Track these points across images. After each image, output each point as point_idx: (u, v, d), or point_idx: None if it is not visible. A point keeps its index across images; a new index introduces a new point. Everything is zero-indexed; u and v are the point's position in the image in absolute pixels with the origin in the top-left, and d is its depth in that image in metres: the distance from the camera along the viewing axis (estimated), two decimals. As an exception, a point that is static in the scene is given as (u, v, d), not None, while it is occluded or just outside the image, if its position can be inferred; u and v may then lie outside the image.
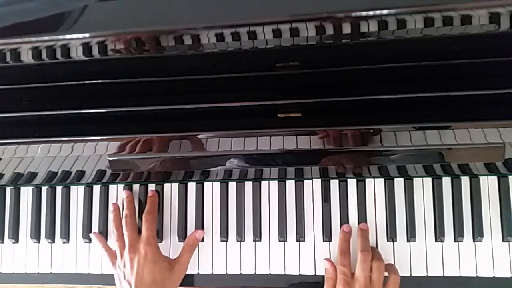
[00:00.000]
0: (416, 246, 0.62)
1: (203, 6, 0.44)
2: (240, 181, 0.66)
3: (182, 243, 0.65)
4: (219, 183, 0.66)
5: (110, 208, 0.66)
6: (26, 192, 0.70)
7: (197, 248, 0.65)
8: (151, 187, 0.67)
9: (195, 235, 0.64)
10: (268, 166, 0.61)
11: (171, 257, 0.65)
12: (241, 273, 0.64)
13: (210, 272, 0.65)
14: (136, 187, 0.68)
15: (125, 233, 0.62)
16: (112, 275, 0.63)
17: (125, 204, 0.65)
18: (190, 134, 0.56)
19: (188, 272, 0.64)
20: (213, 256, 0.65)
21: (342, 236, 0.62)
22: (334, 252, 0.63)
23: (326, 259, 0.62)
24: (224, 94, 0.57)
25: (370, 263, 0.58)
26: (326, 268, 0.61)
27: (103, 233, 0.67)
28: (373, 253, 0.60)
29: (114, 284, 0.67)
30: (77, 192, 0.69)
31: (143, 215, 0.63)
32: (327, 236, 0.63)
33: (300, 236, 0.63)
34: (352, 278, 0.58)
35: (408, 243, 0.62)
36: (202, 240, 0.65)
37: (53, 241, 0.69)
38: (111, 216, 0.65)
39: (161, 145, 0.58)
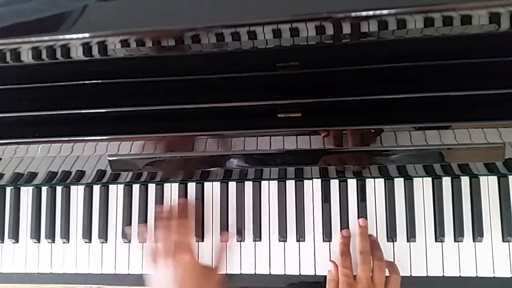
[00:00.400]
0: (416, 246, 0.62)
1: (203, 6, 0.44)
2: (240, 181, 0.66)
3: (182, 243, 0.65)
4: (219, 183, 0.66)
5: (155, 208, 0.66)
6: (26, 192, 0.70)
7: (197, 248, 0.65)
8: (151, 187, 0.67)
9: (223, 239, 0.64)
10: (268, 166, 0.61)
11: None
12: (241, 273, 0.64)
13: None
14: (136, 187, 0.68)
15: (170, 237, 0.60)
16: (112, 275, 0.63)
17: (172, 208, 0.64)
18: (190, 134, 0.56)
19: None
20: (213, 256, 0.65)
21: (341, 241, 0.62)
22: (334, 252, 0.63)
23: (330, 260, 0.62)
24: (224, 94, 0.57)
25: (370, 263, 0.58)
26: (329, 269, 0.61)
27: (103, 233, 0.67)
28: (374, 252, 0.60)
29: (113, 284, 0.67)
30: (77, 192, 0.69)
31: (178, 220, 0.62)
32: (327, 236, 0.63)
33: (300, 236, 0.63)
34: (354, 279, 0.58)
35: (408, 243, 0.62)
36: (202, 240, 0.65)
37: (53, 241, 0.69)
38: (154, 216, 0.65)
39: (162, 145, 0.58)
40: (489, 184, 0.62)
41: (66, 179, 0.67)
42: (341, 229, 0.63)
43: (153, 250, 0.60)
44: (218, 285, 0.60)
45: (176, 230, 0.60)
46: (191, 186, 0.67)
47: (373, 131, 0.54)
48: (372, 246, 0.61)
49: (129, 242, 0.67)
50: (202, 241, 0.65)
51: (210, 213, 0.66)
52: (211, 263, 0.65)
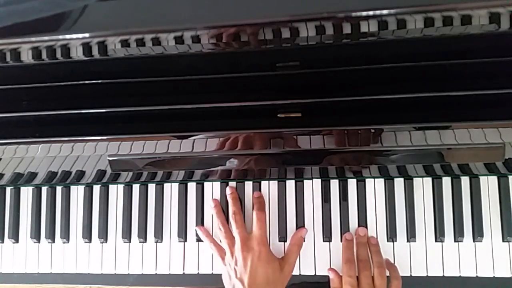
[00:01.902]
0: (416, 246, 0.62)
1: (203, 6, 0.44)
2: (240, 181, 0.66)
3: (182, 243, 0.66)
4: (219, 183, 0.66)
5: (211, 204, 0.65)
6: (26, 192, 0.70)
7: (197, 249, 0.65)
8: (151, 187, 0.67)
9: (301, 234, 0.63)
10: (268, 166, 0.61)
11: (170, 257, 0.64)
12: (241, 273, 0.64)
13: (210, 272, 0.65)
14: (136, 187, 0.68)
15: (236, 230, 0.61)
16: (111, 275, 0.63)
17: (230, 201, 0.64)
18: (190, 134, 0.56)
19: (187, 272, 0.65)
20: (213, 256, 0.65)
21: (345, 245, 0.62)
22: (334, 252, 0.63)
23: (329, 269, 0.62)
24: (224, 94, 0.57)
25: (371, 269, 0.59)
26: (331, 278, 0.61)
27: (103, 233, 0.67)
28: (374, 258, 0.60)
29: (113, 284, 0.67)
30: (77, 192, 0.69)
31: (255, 212, 0.62)
32: (327, 236, 0.63)
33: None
34: (358, 287, 0.58)
35: (408, 243, 0.62)
36: (201, 241, 0.65)
37: (53, 241, 0.69)
38: (213, 211, 0.64)
39: (162, 145, 0.58)
40: (489, 184, 0.62)
41: (66, 179, 0.67)
42: (341, 229, 0.63)
43: (223, 245, 0.61)
44: (287, 278, 0.60)
45: (254, 222, 0.61)
46: (191, 186, 0.67)
47: (373, 131, 0.54)
48: (372, 251, 0.61)
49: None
50: (201, 241, 0.65)
51: (210, 213, 0.66)
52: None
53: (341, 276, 0.60)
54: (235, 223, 0.62)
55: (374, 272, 0.58)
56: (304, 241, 0.63)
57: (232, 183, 0.66)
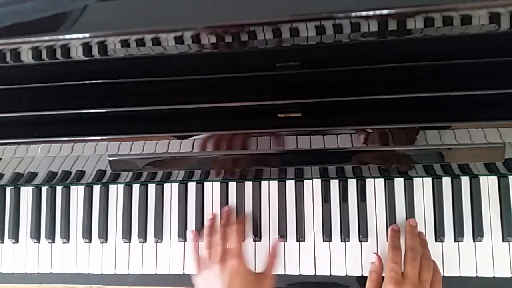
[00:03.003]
0: (416, 246, 0.62)
1: (203, 6, 0.44)
2: (240, 181, 0.66)
3: (182, 243, 0.66)
4: (219, 183, 0.66)
5: (209, 215, 0.65)
6: (26, 192, 0.70)
7: (192, 249, 0.65)
8: (151, 187, 0.67)
9: (276, 247, 0.63)
10: (268, 166, 0.61)
11: (170, 257, 0.65)
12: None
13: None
14: (136, 187, 0.68)
15: (218, 242, 0.60)
16: (111, 275, 0.63)
17: (223, 214, 0.64)
18: (189, 134, 0.56)
19: (186, 272, 0.65)
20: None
21: (392, 234, 0.61)
22: (334, 252, 0.63)
23: (375, 252, 0.61)
24: (224, 94, 0.57)
25: (419, 261, 0.57)
26: (372, 262, 0.61)
27: (103, 233, 0.67)
28: (422, 251, 0.59)
29: (113, 284, 0.67)
30: (77, 192, 0.69)
31: (235, 225, 0.62)
32: (327, 236, 0.63)
33: (300, 236, 0.63)
34: (402, 276, 0.56)
35: (408, 243, 0.62)
36: (201, 241, 0.65)
37: (53, 241, 0.69)
38: (206, 224, 0.64)
39: (162, 145, 0.58)
40: (489, 184, 0.62)
41: (66, 179, 0.67)
42: (341, 229, 0.63)
43: (202, 254, 0.60)
44: None
45: (229, 236, 0.60)
46: (191, 186, 0.67)
47: (373, 131, 0.54)
48: (420, 244, 0.60)
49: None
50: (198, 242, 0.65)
51: (210, 213, 0.66)
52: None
53: (382, 262, 0.59)
54: (220, 234, 0.61)
55: (422, 263, 0.57)
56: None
57: (232, 183, 0.66)
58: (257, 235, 0.64)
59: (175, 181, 0.67)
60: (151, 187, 0.68)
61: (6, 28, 0.46)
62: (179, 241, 0.66)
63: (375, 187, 0.64)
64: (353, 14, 0.42)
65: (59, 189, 0.69)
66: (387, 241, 0.62)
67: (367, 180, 0.64)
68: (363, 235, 0.62)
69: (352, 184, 0.64)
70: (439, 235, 0.61)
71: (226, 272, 0.56)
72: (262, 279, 0.59)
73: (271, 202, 0.65)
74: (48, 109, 0.58)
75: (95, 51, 0.49)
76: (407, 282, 0.55)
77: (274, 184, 0.65)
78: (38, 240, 0.69)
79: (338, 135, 0.55)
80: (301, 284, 0.63)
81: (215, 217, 0.65)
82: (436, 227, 0.62)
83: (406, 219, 0.62)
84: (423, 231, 0.62)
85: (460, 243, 0.61)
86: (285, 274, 0.63)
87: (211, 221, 0.64)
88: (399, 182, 0.63)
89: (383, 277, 0.58)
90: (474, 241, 0.61)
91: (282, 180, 0.65)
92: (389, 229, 0.62)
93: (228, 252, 0.59)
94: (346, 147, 0.55)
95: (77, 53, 0.49)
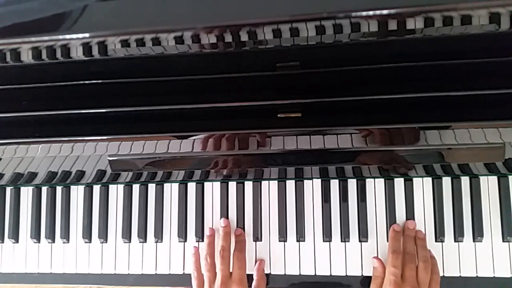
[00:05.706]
0: (416, 246, 0.62)
1: (203, 6, 0.44)
2: (240, 181, 0.66)
3: (182, 243, 0.65)
4: (219, 183, 0.66)
5: (207, 232, 0.64)
6: (26, 192, 0.70)
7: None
8: (151, 187, 0.67)
9: (262, 267, 0.63)
10: (268, 166, 0.61)
11: (170, 257, 0.64)
12: (241, 273, 0.64)
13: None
14: (136, 187, 0.68)
15: (219, 266, 0.60)
16: (111, 275, 0.63)
17: (222, 235, 0.63)
18: (189, 134, 0.56)
19: (186, 272, 0.65)
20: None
21: (393, 235, 0.61)
22: (334, 252, 0.63)
23: (375, 257, 0.61)
24: (224, 94, 0.57)
25: (416, 263, 0.58)
26: (374, 266, 0.61)
27: (103, 233, 0.67)
28: (420, 252, 0.60)
29: (113, 284, 0.67)
30: (77, 192, 0.69)
31: (235, 253, 0.62)
32: (327, 236, 0.63)
33: (300, 236, 0.63)
34: (401, 279, 0.57)
35: (408, 243, 0.62)
36: (203, 240, 0.65)
37: (53, 241, 0.69)
38: (205, 241, 0.64)
39: (162, 145, 0.58)
40: (489, 184, 0.62)
41: (66, 179, 0.67)
42: (341, 229, 0.63)
43: (208, 276, 0.60)
44: None
45: (233, 263, 0.61)
46: (191, 186, 0.67)
47: (373, 131, 0.54)
48: (419, 245, 0.60)
49: (130, 242, 0.67)
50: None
51: (210, 213, 0.66)
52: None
53: (384, 266, 0.60)
54: (221, 259, 0.61)
55: (419, 265, 0.58)
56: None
57: (232, 183, 0.66)
58: (257, 236, 0.64)
59: (175, 181, 0.67)
60: (151, 187, 0.68)
61: (6, 28, 0.46)
62: (179, 241, 0.66)
63: (375, 187, 0.64)
64: (353, 14, 0.42)
65: (59, 189, 0.69)
66: (387, 241, 0.62)
67: (367, 180, 0.64)
68: (363, 235, 0.62)
69: (352, 184, 0.64)
70: (439, 235, 0.61)
71: None
72: None
73: (271, 202, 0.65)
74: (48, 109, 0.58)
75: (95, 51, 0.49)
76: (406, 284, 0.56)
77: (274, 184, 0.65)
78: (38, 240, 0.69)
79: (338, 135, 0.55)
80: (301, 284, 0.63)
81: (213, 234, 0.64)
82: (436, 227, 0.62)
83: (406, 219, 0.62)
84: (424, 231, 0.62)
85: (460, 243, 0.61)
86: (285, 274, 0.63)
87: (210, 238, 0.64)
88: (399, 182, 0.63)
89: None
90: (474, 241, 0.61)
91: (282, 180, 0.65)
92: (390, 229, 0.62)
93: (230, 278, 0.60)
94: (346, 147, 0.55)
95: (77, 53, 0.49)
